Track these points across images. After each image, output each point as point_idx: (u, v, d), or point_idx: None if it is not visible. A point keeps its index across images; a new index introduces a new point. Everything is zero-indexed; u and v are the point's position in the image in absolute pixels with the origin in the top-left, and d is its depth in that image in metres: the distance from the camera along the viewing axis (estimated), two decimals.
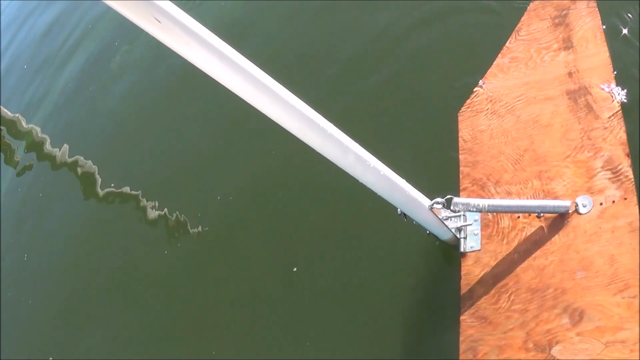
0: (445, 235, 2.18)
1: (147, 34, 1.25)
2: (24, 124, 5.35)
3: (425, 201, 2.00)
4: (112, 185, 4.02)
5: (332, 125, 1.64)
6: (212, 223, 3.28)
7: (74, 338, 3.42)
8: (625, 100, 2.16)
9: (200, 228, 3.29)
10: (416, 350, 2.29)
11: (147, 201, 3.73)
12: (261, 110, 1.48)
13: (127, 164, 4.14)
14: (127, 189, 3.92)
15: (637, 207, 1.85)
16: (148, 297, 3.27)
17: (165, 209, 3.57)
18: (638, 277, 1.72)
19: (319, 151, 1.65)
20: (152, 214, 3.63)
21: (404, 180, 1.92)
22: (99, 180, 4.16)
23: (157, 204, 3.66)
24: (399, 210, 1.98)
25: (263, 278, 2.87)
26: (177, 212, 3.50)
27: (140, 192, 3.81)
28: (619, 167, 1.95)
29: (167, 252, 3.36)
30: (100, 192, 4.07)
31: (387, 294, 2.48)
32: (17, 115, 5.50)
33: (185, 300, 3.09)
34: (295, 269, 2.76)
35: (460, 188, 2.31)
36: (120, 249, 3.65)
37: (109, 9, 1.22)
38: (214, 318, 2.91)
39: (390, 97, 3.13)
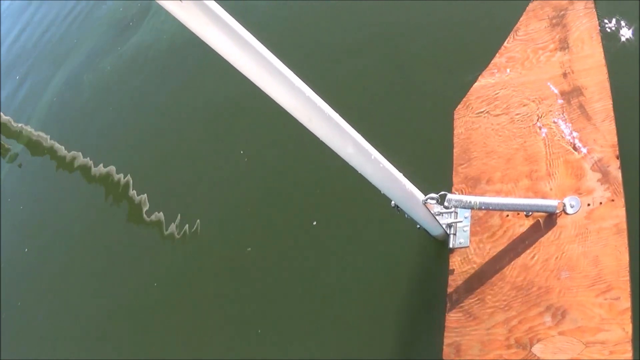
0: (435, 231, 2.21)
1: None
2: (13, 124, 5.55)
3: (420, 196, 2.03)
4: (114, 183, 4.08)
5: (338, 115, 1.65)
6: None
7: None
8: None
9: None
10: (409, 349, 2.32)
11: (149, 198, 3.78)
12: (273, 97, 1.50)
13: (131, 162, 4.17)
14: (129, 188, 3.96)
15: (624, 209, 1.87)
16: (155, 291, 3.29)
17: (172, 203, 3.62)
18: (621, 279, 1.74)
19: (324, 140, 1.67)
20: (156, 205, 3.68)
21: (401, 174, 1.94)
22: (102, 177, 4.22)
23: (159, 194, 3.72)
24: (392, 202, 2.01)
25: None
26: (183, 207, 3.55)
27: (145, 194, 3.85)
28: (608, 169, 1.97)
29: (170, 244, 3.40)
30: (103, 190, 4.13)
31: (378, 291, 2.52)
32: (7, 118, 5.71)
33: (198, 293, 3.12)
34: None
35: (453, 184, 2.33)
36: (121, 246, 3.70)
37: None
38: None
39: (390, 93, 3.14)
